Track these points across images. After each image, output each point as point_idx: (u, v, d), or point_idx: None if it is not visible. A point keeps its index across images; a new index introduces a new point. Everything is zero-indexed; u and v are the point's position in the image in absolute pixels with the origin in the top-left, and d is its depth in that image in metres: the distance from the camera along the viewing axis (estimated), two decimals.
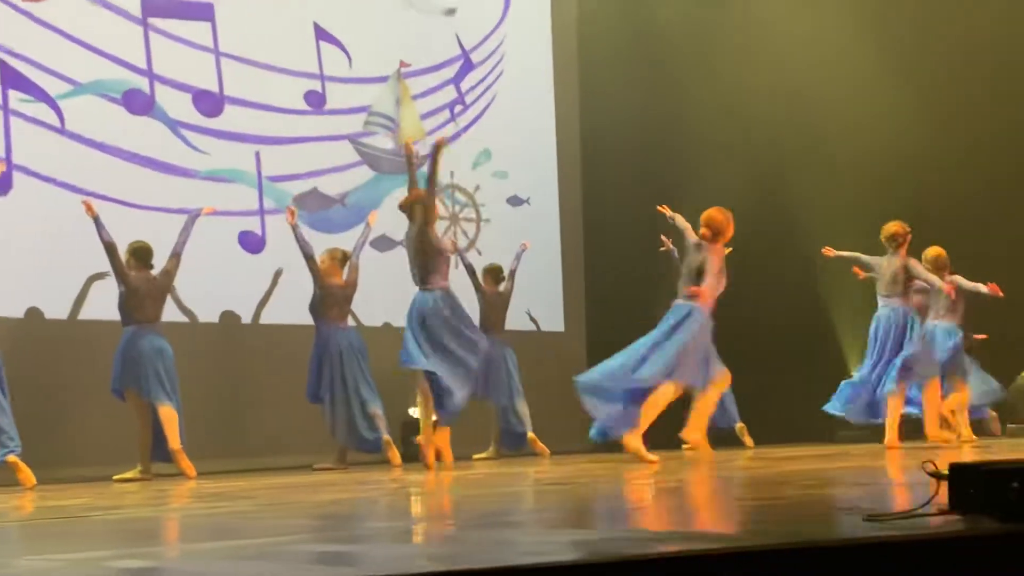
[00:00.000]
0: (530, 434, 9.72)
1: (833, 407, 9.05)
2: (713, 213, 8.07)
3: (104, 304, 8.57)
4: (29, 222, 8.71)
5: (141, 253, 8.28)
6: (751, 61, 11.72)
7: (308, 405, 8.93)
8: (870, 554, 2.33)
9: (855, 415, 8.92)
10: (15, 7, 8.97)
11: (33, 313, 8.85)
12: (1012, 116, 11.41)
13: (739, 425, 10.30)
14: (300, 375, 8.97)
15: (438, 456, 7.99)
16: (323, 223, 10.28)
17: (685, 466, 7.14)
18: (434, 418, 8.09)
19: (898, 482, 4.47)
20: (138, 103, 9.54)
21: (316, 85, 10.52)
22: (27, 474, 7.22)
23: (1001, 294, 9.43)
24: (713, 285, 7.83)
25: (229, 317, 9.80)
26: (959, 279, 9.47)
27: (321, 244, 9.38)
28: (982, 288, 9.49)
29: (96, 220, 8.04)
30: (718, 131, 11.69)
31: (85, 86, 9.26)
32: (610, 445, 10.76)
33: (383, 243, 10.17)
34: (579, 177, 12.09)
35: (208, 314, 9.64)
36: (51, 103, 9.08)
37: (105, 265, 8.29)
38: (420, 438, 8.19)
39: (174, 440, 8.00)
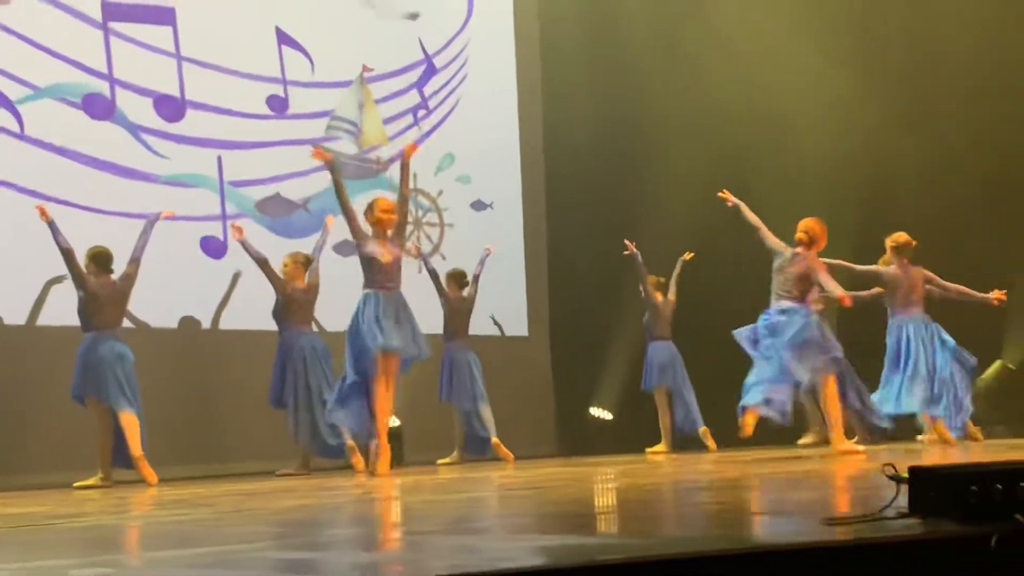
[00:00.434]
0: (494, 439, 9.72)
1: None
2: (811, 222, 8.23)
3: (63, 309, 8.50)
4: None
5: (101, 258, 8.22)
6: (714, 64, 11.79)
7: (271, 411, 8.89)
8: (830, 557, 2.34)
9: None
10: None
11: None
12: (978, 111, 11.54)
13: (702, 428, 10.35)
14: (263, 381, 8.93)
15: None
16: (285, 228, 10.24)
17: (648, 470, 7.16)
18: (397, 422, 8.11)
19: (857, 485, 4.50)
20: (98, 107, 9.47)
21: (278, 89, 10.48)
22: None
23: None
24: (830, 288, 8.05)
25: (191, 322, 9.75)
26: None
27: (284, 249, 9.36)
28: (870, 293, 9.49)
29: (51, 225, 7.98)
30: (682, 134, 11.75)
31: (44, 90, 9.19)
32: (576, 449, 10.80)
33: (346, 248, 10.13)
34: (542, 181, 12.11)
35: (170, 319, 9.58)
36: (10, 107, 9.00)
37: (64, 270, 8.22)
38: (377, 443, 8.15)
39: (135, 447, 7.94)
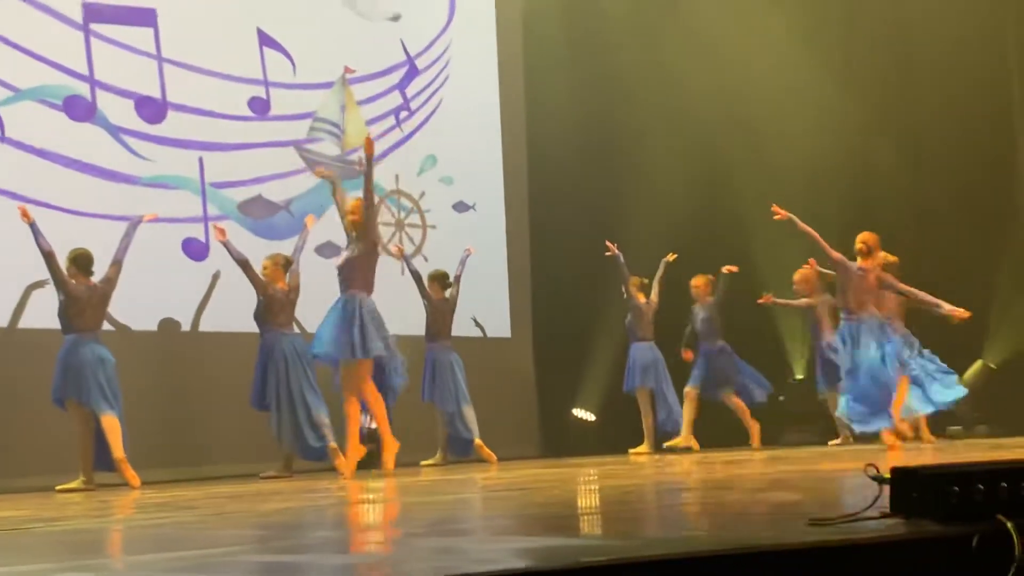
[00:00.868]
0: (477, 440, 9.72)
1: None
2: (868, 235, 8.66)
3: (44, 312, 8.46)
4: None
5: (81, 261, 8.18)
6: (699, 64, 11.81)
7: (253, 413, 8.86)
8: (813, 558, 2.35)
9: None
10: None
11: None
12: (956, 115, 11.59)
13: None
14: (245, 382, 8.90)
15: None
16: (268, 230, 10.22)
17: (631, 471, 7.17)
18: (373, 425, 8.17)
19: (840, 485, 4.52)
20: (79, 109, 9.43)
21: (260, 91, 10.45)
22: None
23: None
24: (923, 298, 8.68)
25: (172, 324, 9.71)
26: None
27: (266, 251, 9.33)
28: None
29: (32, 227, 7.94)
30: (664, 136, 11.77)
31: (25, 92, 9.14)
32: (559, 450, 10.80)
33: (328, 250, 10.11)
34: (525, 182, 12.11)
35: (151, 322, 9.55)
36: None
37: (44, 272, 8.18)
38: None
39: (117, 449, 7.91)
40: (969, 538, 2.39)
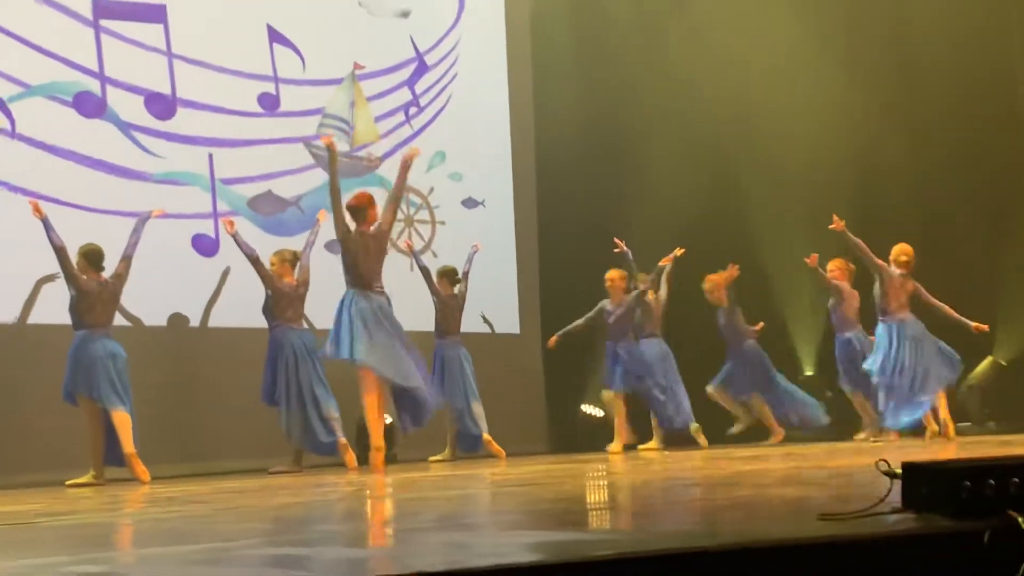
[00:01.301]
0: (486, 436, 9.72)
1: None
2: (908, 248, 9.51)
3: (55, 308, 8.48)
4: None
5: (92, 256, 8.20)
6: (705, 64, 11.80)
7: (263, 408, 8.88)
8: (824, 553, 2.35)
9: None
10: None
11: None
12: (965, 115, 11.56)
13: (694, 425, 10.36)
14: (254, 377, 8.92)
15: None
16: (277, 226, 10.23)
17: (640, 467, 7.17)
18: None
19: (851, 481, 4.51)
20: (90, 106, 9.45)
21: (270, 87, 10.46)
22: None
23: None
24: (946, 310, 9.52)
25: (181, 320, 9.73)
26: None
27: (275, 247, 9.35)
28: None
29: (45, 222, 7.96)
30: (671, 135, 11.76)
31: (36, 88, 9.16)
32: (567, 446, 10.80)
33: (336, 246, 10.12)
34: (534, 179, 12.11)
35: (162, 317, 9.57)
36: (1, 106, 8.98)
37: (55, 268, 8.20)
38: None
39: (128, 444, 7.93)
40: (980, 533, 2.39)
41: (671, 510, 3.67)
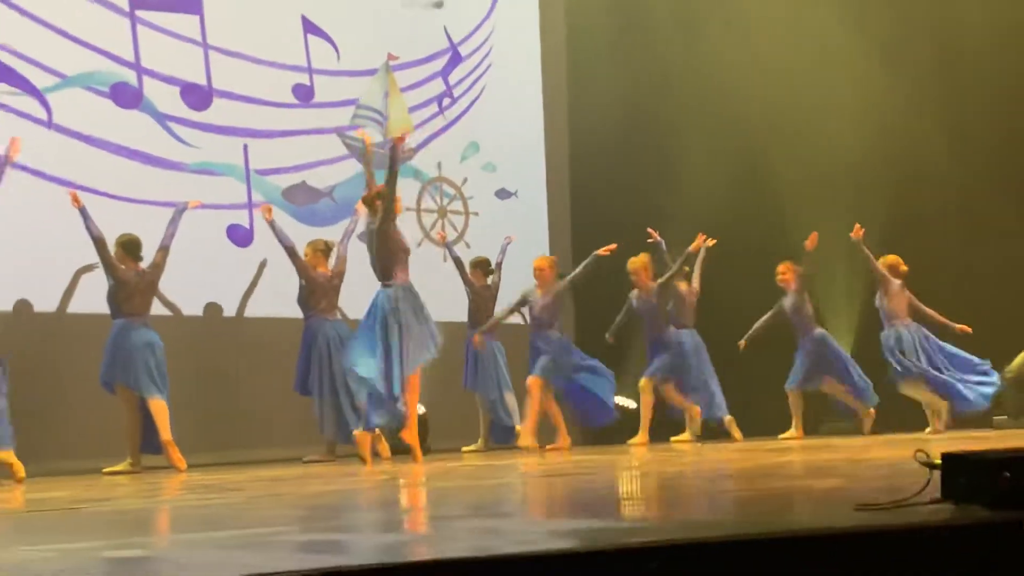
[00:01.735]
0: (518, 427, 9.72)
1: None
2: (899, 257, 9.97)
3: (93, 297, 8.55)
4: (17, 215, 8.67)
5: (130, 246, 8.27)
6: (742, 56, 11.72)
7: (297, 397, 8.92)
8: (860, 542, 2.33)
9: None
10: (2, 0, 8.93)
11: (22, 307, 8.83)
12: (1007, 105, 11.42)
13: (727, 418, 10.32)
14: (289, 367, 8.97)
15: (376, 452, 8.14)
16: (311, 216, 10.27)
17: (674, 458, 7.16)
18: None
19: (888, 472, 4.48)
20: (126, 96, 9.51)
21: (304, 78, 10.49)
22: (17, 467, 7.19)
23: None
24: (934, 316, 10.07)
25: (217, 309, 9.78)
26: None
27: (309, 237, 9.40)
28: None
29: (83, 211, 8.04)
30: (706, 123, 11.70)
31: (72, 79, 9.23)
32: (597, 437, 10.79)
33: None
34: (567, 169, 12.09)
35: (198, 307, 9.62)
36: (38, 96, 9.05)
37: (94, 258, 8.27)
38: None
39: (165, 432, 7.99)
40: (1018, 524, 2.37)
41: (704, 500, 3.66)
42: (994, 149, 11.47)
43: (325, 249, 9.08)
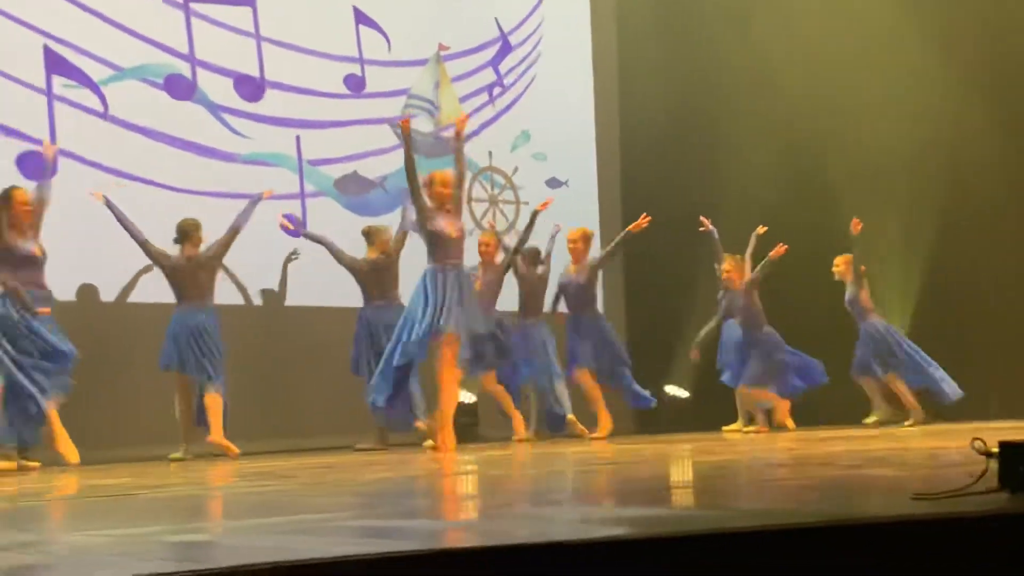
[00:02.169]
0: (570, 416, 9.72)
1: None
2: None
3: (153, 285, 8.68)
4: (73, 206, 8.77)
5: (190, 230, 8.39)
6: (793, 45, 11.61)
7: (350, 386, 8.98)
8: (917, 531, 2.31)
9: None
10: None
11: (84, 294, 8.96)
12: None
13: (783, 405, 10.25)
14: (341, 356, 9.04)
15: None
16: (362, 206, 10.32)
17: (726, 447, 7.13)
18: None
19: (944, 462, 4.44)
20: (180, 88, 9.61)
21: (356, 69, 10.55)
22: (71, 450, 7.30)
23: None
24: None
25: (271, 297, 9.86)
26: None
27: (360, 227, 9.48)
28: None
29: (122, 220, 8.20)
30: (757, 113, 11.61)
31: (128, 71, 9.33)
32: (650, 427, 10.77)
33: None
34: (618, 158, 12.05)
35: (253, 295, 9.71)
36: (94, 88, 9.16)
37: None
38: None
39: (215, 431, 8.06)
40: None
41: (759, 488, 3.64)
42: None
43: (379, 236, 9.21)
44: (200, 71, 9.70)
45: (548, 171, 11.55)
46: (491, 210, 11.12)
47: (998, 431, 4.72)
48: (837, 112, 11.53)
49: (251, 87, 9.94)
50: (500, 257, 9.70)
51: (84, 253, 8.78)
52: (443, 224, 7.78)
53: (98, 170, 9.02)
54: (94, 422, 8.30)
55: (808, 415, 10.39)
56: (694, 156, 11.83)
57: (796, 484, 3.72)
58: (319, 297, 9.83)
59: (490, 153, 11.18)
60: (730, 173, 11.46)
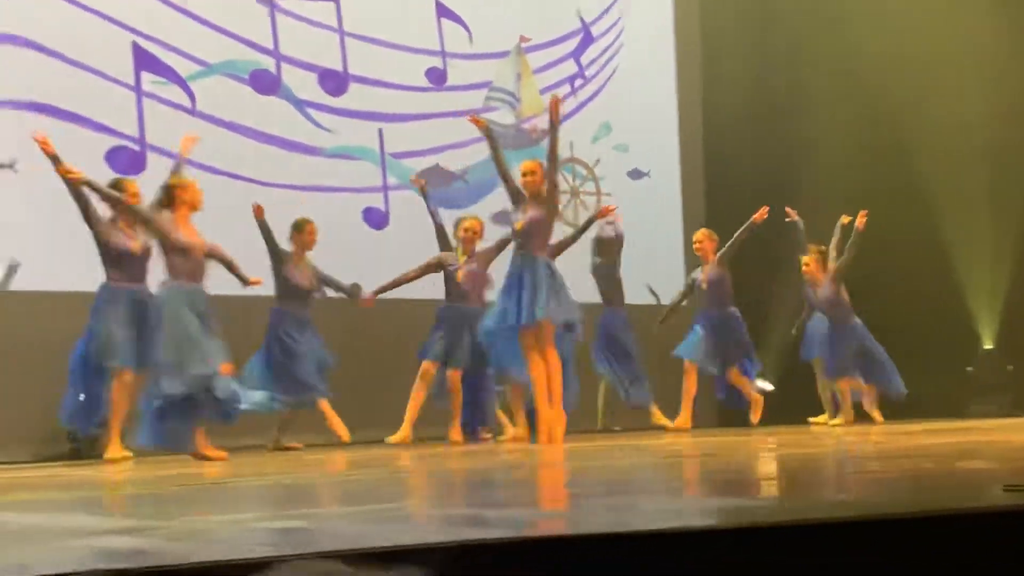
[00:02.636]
0: (653, 408, 9.70)
1: None
2: None
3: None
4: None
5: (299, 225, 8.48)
6: (878, 31, 11.45)
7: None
8: (1009, 522, 2.29)
9: None
10: None
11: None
12: None
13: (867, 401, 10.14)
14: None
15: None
16: (444, 199, 10.37)
17: (812, 439, 7.07)
18: None
19: None
20: (265, 83, 9.75)
21: (437, 62, 10.61)
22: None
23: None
24: None
25: (359, 291, 9.93)
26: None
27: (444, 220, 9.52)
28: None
29: (262, 225, 8.31)
30: (841, 102, 11.48)
31: (214, 67, 9.49)
32: (734, 420, 10.71)
33: (502, 218, 10.19)
34: (700, 149, 11.98)
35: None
36: (182, 84, 9.33)
37: (244, 241, 8.44)
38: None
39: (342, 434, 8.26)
40: None
41: (846, 480, 3.62)
42: None
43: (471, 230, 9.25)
44: (284, 66, 9.84)
45: (630, 162, 11.52)
46: (573, 202, 11.13)
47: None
48: (924, 99, 11.35)
49: (335, 81, 10.06)
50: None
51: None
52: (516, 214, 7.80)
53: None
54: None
55: (893, 408, 10.26)
56: (777, 145, 11.73)
57: (885, 475, 3.69)
58: (406, 290, 9.86)
59: (571, 144, 11.18)
60: (813, 163, 11.34)
